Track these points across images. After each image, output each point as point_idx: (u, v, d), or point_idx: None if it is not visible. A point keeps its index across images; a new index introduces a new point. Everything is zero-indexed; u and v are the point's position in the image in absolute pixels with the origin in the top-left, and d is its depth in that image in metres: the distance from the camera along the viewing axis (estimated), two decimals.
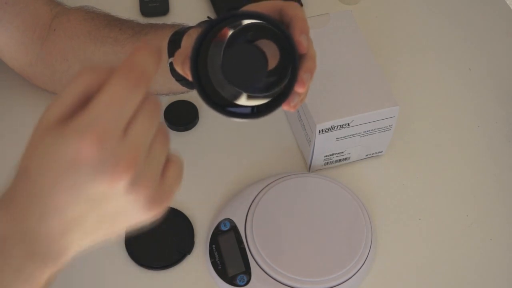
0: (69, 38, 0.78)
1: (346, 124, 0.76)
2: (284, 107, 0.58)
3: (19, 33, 0.78)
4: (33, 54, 0.79)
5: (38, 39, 0.79)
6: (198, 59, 0.55)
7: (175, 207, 0.78)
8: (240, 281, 0.71)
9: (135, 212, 0.45)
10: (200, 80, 0.55)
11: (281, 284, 0.71)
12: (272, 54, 0.56)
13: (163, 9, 0.98)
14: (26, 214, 0.45)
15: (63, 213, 0.44)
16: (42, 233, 0.45)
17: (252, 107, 0.57)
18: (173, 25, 0.74)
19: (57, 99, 0.43)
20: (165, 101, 0.85)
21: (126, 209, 0.44)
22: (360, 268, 0.73)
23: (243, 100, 0.57)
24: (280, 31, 0.55)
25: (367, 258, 0.73)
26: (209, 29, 0.55)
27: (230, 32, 0.56)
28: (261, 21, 0.55)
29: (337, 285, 0.71)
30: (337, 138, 0.77)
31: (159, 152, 0.45)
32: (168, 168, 0.46)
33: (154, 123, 0.44)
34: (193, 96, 0.86)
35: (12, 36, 0.78)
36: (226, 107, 0.56)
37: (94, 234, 0.47)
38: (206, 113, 0.86)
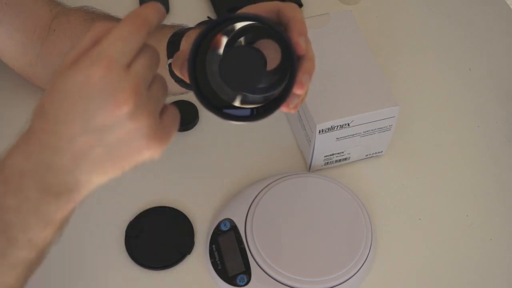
0: (68, 39, 0.78)
1: (346, 124, 0.76)
2: (283, 109, 0.57)
3: (19, 34, 0.78)
4: (33, 54, 0.79)
5: (38, 40, 0.79)
6: (196, 62, 0.55)
7: (175, 207, 0.78)
8: (240, 281, 0.71)
9: (138, 144, 0.50)
10: (198, 83, 0.55)
11: (281, 284, 0.71)
12: (270, 56, 0.56)
13: None
14: (42, 148, 0.50)
15: (75, 143, 0.49)
16: (55, 165, 0.50)
17: (251, 109, 0.57)
18: (172, 26, 0.74)
19: (73, 47, 0.50)
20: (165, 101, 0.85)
21: (129, 138, 0.50)
22: (360, 268, 0.73)
23: (241, 103, 0.57)
24: (277, 33, 0.55)
25: (367, 258, 0.74)
26: (207, 31, 0.55)
27: (228, 35, 0.56)
28: (259, 23, 0.55)
29: (337, 285, 0.71)
30: (337, 138, 0.77)
31: (158, 92, 0.51)
32: (166, 112, 0.52)
33: (153, 65, 0.51)
34: (193, 96, 0.86)
35: (12, 37, 0.78)
36: (225, 109, 0.56)
37: (102, 167, 0.51)
38: (206, 113, 0.85)
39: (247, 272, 0.72)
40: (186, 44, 0.69)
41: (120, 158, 0.51)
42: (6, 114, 0.86)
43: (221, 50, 0.55)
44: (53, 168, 0.50)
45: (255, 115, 0.57)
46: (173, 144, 0.87)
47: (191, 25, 0.73)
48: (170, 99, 0.85)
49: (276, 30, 0.54)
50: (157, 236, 0.76)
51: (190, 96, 0.85)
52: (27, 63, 0.80)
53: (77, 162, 0.50)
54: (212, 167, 0.83)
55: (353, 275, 0.72)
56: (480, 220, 0.80)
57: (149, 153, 0.51)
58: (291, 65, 0.55)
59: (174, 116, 0.53)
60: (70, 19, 0.79)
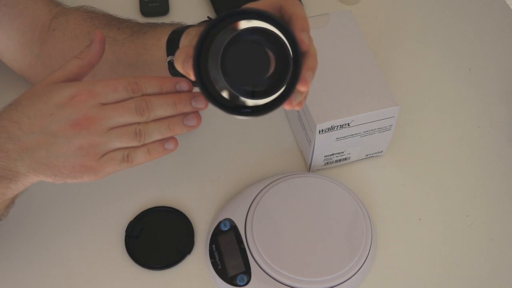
0: (68, 39, 0.78)
1: (346, 124, 0.76)
2: (286, 107, 0.57)
3: (19, 35, 0.78)
4: (33, 55, 0.79)
5: (38, 40, 0.79)
6: (200, 57, 0.55)
7: (175, 207, 0.78)
8: (240, 281, 0.71)
9: (73, 163, 0.59)
10: (202, 78, 0.55)
11: (281, 284, 0.71)
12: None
13: (163, 9, 0.98)
14: (0, 132, 0.59)
15: (29, 137, 0.58)
16: (5, 151, 0.59)
17: (254, 105, 0.57)
18: (171, 24, 0.74)
19: (59, 70, 0.62)
20: None
21: (67, 154, 0.58)
22: (360, 268, 0.73)
23: (244, 98, 0.57)
24: (282, 28, 0.55)
25: (367, 258, 0.74)
26: (212, 26, 0.55)
27: (231, 30, 0.55)
28: (263, 19, 0.55)
29: (337, 285, 0.71)
30: (337, 138, 0.77)
31: (113, 138, 0.59)
32: (109, 155, 0.60)
33: (121, 118, 0.59)
34: None
35: (12, 38, 0.78)
36: (228, 104, 0.56)
37: (40, 168, 0.59)
38: (206, 113, 0.86)
39: (247, 272, 0.72)
40: (185, 41, 0.69)
41: (56, 168, 0.59)
42: None
43: (223, 46, 0.55)
44: (2, 153, 0.59)
45: (258, 110, 0.56)
46: None
47: (191, 24, 0.73)
48: None
49: (281, 25, 0.54)
50: (157, 236, 0.76)
51: None
52: (27, 64, 0.80)
53: (22, 155, 0.59)
54: (212, 167, 0.83)
55: (353, 275, 0.72)
56: (480, 220, 0.80)
57: (82, 176, 0.60)
58: (295, 61, 0.55)
59: (112, 161, 0.60)
60: (69, 19, 0.78)
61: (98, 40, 0.64)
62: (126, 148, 0.60)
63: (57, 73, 0.61)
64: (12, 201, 0.65)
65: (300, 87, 0.55)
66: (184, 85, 0.61)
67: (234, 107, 0.56)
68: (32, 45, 0.79)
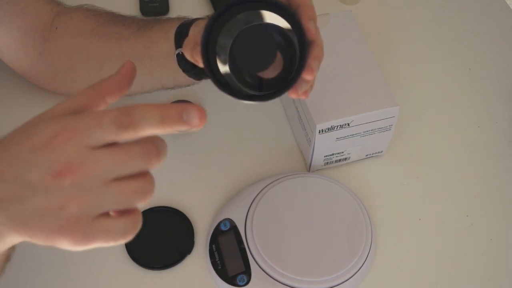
0: (71, 36, 0.78)
1: (346, 124, 0.76)
2: (292, 95, 0.58)
3: (20, 33, 0.78)
4: (35, 53, 0.79)
5: (40, 39, 0.79)
6: (208, 43, 0.55)
7: (175, 207, 0.78)
8: (240, 281, 0.71)
9: (51, 225, 0.44)
10: (210, 62, 0.56)
11: (281, 284, 0.71)
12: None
13: (163, 9, 0.98)
14: None
15: (2, 186, 0.45)
16: None
17: (260, 90, 0.57)
18: (179, 18, 0.74)
19: (66, 101, 0.47)
20: (166, 101, 0.85)
21: (46, 212, 0.44)
22: (360, 268, 0.73)
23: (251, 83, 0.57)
24: (289, 17, 0.55)
25: (367, 258, 0.73)
26: (221, 13, 0.55)
27: (239, 18, 0.56)
28: (270, 7, 0.56)
29: (337, 285, 0.71)
30: (337, 138, 0.77)
31: (115, 192, 0.45)
32: (108, 220, 0.46)
33: (120, 166, 0.45)
34: (193, 96, 0.86)
35: (13, 36, 0.78)
36: (235, 90, 0.57)
37: (13, 226, 0.45)
38: (206, 113, 0.86)
39: (247, 272, 0.72)
40: (194, 31, 0.69)
41: (31, 229, 0.45)
42: (6, 116, 0.86)
43: (232, 33, 0.55)
44: None
45: (264, 96, 0.57)
46: (173, 144, 0.87)
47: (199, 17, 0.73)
48: (170, 99, 0.85)
49: (289, 13, 0.55)
50: (157, 236, 0.76)
51: (190, 96, 0.85)
52: (29, 62, 0.80)
53: None
54: (212, 167, 0.83)
55: (353, 275, 0.72)
56: (480, 220, 0.80)
57: (61, 242, 0.45)
58: (302, 49, 0.55)
59: (106, 234, 0.46)
60: (72, 16, 0.79)
61: (122, 72, 0.49)
62: (128, 215, 0.47)
63: (65, 104, 0.47)
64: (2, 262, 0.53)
65: (306, 76, 0.56)
66: (193, 114, 0.47)
67: (241, 93, 0.57)
68: (35, 43, 0.79)
